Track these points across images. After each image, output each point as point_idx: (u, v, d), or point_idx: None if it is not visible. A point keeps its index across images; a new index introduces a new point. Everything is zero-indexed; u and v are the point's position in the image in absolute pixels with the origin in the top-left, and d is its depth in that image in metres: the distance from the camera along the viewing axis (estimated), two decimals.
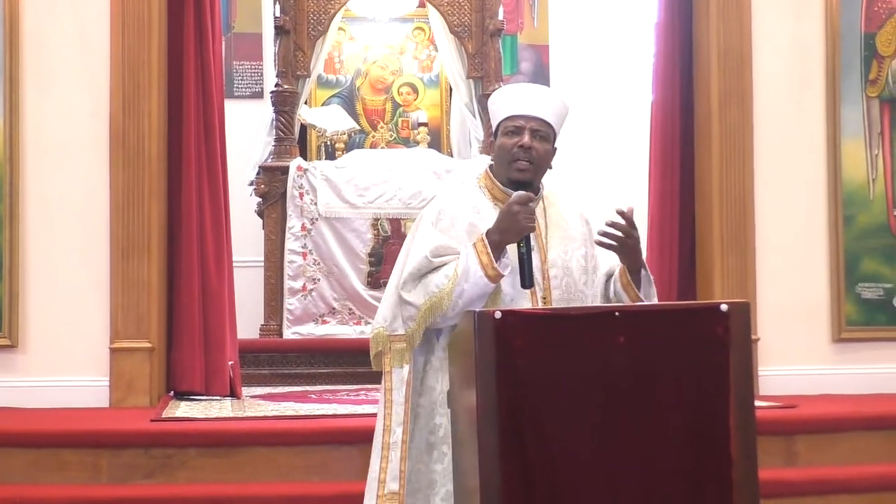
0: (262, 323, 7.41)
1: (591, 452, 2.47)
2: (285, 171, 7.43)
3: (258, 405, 5.49)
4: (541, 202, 3.20)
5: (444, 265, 3.05)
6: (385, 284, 7.82)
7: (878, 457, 4.83)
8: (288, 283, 7.33)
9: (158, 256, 5.59)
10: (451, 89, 8.34)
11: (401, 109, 8.50)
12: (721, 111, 5.99)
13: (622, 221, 3.08)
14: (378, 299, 7.15)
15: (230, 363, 5.71)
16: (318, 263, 7.35)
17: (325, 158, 8.03)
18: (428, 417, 3.14)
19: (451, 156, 8.20)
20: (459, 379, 2.77)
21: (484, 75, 7.98)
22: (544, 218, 3.20)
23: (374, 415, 4.94)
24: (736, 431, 2.49)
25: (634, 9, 8.80)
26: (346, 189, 7.42)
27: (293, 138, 7.75)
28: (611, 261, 3.25)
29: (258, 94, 8.83)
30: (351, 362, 6.86)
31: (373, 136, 8.44)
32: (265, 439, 4.55)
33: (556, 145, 3.19)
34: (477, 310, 2.67)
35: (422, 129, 8.28)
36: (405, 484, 3.11)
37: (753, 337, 5.58)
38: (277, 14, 7.81)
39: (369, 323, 7.20)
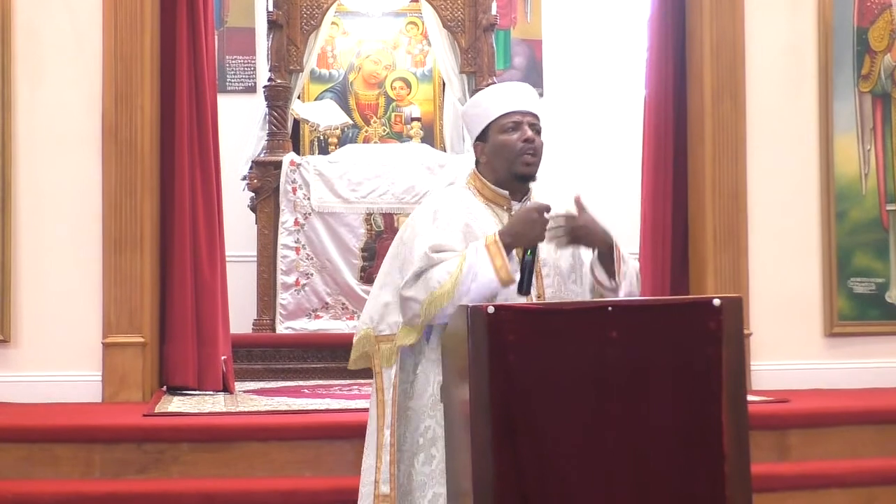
0: (255, 318, 7.40)
1: (583, 446, 2.48)
2: (278, 165, 7.42)
3: (251, 400, 5.48)
4: (529, 202, 3.20)
5: (443, 261, 3.04)
6: None
7: (870, 451, 4.84)
8: (281, 278, 7.32)
9: (151, 251, 5.58)
10: (444, 84, 8.33)
11: (394, 104, 8.49)
12: (714, 106, 5.99)
13: (560, 219, 3.07)
14: None
15: (223, 358, 5.71)
16: (311, 258, 7.35)
17: (318, 153, 8.02)
18: (418, 420, 3.13)
19: (444, 151, 8.20)
20: (452, 374, 2.77)
21: (477, 70, 7.97)
22: None
23: (367, 409, 4.95)
24: (728, 426, 2.50)
25: (627, 3, 8.80)
26: (339, 184, 7.42)
27: (286, 133, 7.74)
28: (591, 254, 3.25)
29: (251, 89, 8.82)
30: (344, 357, 6.76)
31: (366, 131, 8.43)
32: (258, 434, 4.55)
33: None
34: (469, 305, 2.67)
35: (415, 123, 8.27)
36: (395, 487, 3.13)
37: (746, 331, 5.59)
38: (270, 8, 7.81)
39: None
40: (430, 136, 8.37)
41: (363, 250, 7.40)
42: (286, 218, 7.36)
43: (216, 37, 7.07)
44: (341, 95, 8.43)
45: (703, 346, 2.53)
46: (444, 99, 8.41)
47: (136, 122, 5.56)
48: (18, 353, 5.52)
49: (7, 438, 4.53)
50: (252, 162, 7.58)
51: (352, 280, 7.35)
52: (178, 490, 4.30)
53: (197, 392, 5.59)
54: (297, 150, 7.89)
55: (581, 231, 3.10)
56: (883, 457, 4.81)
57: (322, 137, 8.12)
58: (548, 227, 3.04)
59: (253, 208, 7.64)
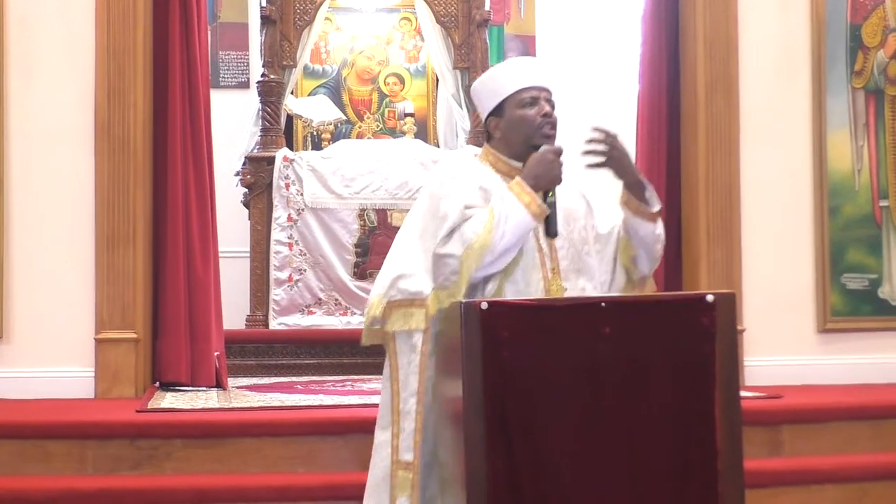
0: (248, 313, 7.40)
1: (577, 442, 2.48)
2: (271, 161, 7.41)
3: (244, 396, 5.48)
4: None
5: (473, 216, 3.07)
6: (372, 275, 7.83)
7: (863, 446, 4.84)
8: (274, 274, 7.32)
9: (144, 247, 5.57)
10: (437, 80, 8.33)
11: (387, 100, 8.49)
12: (707, 101, 5.99)
13: (602, 134, 3.15)
14: (364, 290, 7.23)
15: (216, 354, 5.70)
16: (305, 254, 7.35)
17: (312, 149, 8.02)
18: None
19: (438, 146, 8.20)
20: (445, 370, 2.77)
21: (470, 66, 7.98)
22: None
23: (361, 406, 4.95)
24: (721, 421, 2.50)
25: None
26: (333, 179, 7.41)
27: (279, 128, 7.74)
28: (613, 222, 3.30)
29: (244, 84, 8.81)
30: (337, 353, 6.87)
31: (359, 127, 8.43)
32: (251, 430, 4.55)
33: None
34: (463, 300, 2.67)
35: (408, 119, 8.27)
36: (419, 456, 3.07)
37: (739, 327, 5.59)
38: (264, 4, 7.80)
39: (355, 314, 7.21)
40: (424, 131, 8.37)
41: (356, 246, 7.39)
42: (279, 214, 7.36)
43: (209, 32, 7.06)
44: (335, 91, 8.42)
45: (696, 341, 2.53)
46: (438, 94, 8.41)
47: (129, 117, 5.54)
48: (11, 349, 5.51)
49: None
50: (245, 157, 7.58)
51: (345, 276, 7.35)
52: (171, 486, 4.30)
53: (190, 388, 5.58)
54: (290, 145, 7.88)
55: (617, 153, 3.17)
56: (875, 452, 4.82)
57: (315, 133, 8.11)
58: (585, 140, 3.11)
59: (246, 204, 7.63)
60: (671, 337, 2.54)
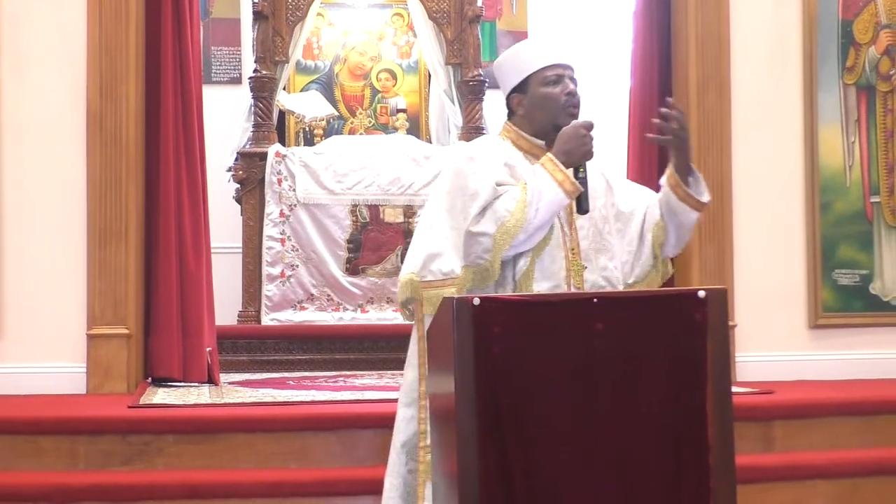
0: (241, 309, 7.39)
1: (568, 438, 2.48)
2: (263, 157, 7.41)
3: (236, 392, 5.48)
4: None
5: (505, 193, 3.08)
6: (364, 271, 7.81)
7: (855, 442, 4.85)
8: (266, 270, 7.31)
9: (136, 242, 5.57)
10: (429, 75, 8.33)
11: (379, 95, 8.48)
12: (699, 98, 6.00)
13: (678, 112, 3.16)
14: (356, 286, 7.24)
15: (208, 349, 5.70)
16: (297, 250, 7.34)
17: (304, 144, 8.01)
18: None
19: (430, 142, 8.20)
20: (437, 365, 2.77)
21: (462, 62, 7.97)
22: None
23: (353, 401, 4.95)
24: (713, 417, 2.50)
25: None
26: (325, 175, 7.41)
27: (271, 124, 7.73)
28: (644, 202, 3.31)
29: (236, 80, 8.81)
30: (329, 349, 6.87)
31: (351, 123, 8.42)
32: (243, 426, 4.54)
33: None
34: (455, 296, 2.66)
35: (400, 115, 8.27)
36: None
37: (731, 323, 5.60)
38: None
39: (347, 309, 7.21)
40: (416, 127, 8.37)
41: (349, 242, 7.39)
42: (271, 209, 7.35)
43: (201, 28, 7.06)
44: (327, 87, 8.42)
45: (688, 337, 2.53)
46: (430, 90, 8.41)
47: (121, 113, 5.54)
48: (2, 344, 5.50)
49: None
50: (237, 153, 7.57)
51: (337, 272, 7.34)
52: (162, 482, 4.29)
53: (182, 384, 5.57)
54: (282, 141, 7.88)
55: (685, 135, 3.18)
56: (867, 448, 4.83)
57: (307, 129, 8.10)
58: (657, 114, 3.13)
59: (238, 200, 7.63)
60: (663, 333, 2.53)
